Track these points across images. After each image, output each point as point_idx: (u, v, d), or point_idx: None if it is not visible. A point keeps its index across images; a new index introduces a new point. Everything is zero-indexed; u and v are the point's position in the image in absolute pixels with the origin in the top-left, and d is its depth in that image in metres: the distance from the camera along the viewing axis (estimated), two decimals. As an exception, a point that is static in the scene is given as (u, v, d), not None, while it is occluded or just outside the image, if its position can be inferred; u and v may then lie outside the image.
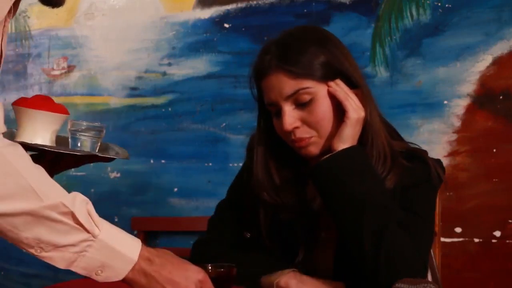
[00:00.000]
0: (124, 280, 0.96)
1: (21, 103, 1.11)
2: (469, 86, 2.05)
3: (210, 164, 2.48)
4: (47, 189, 0.90)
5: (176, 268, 0.98)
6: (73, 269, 0.93)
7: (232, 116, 2.44)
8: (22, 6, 1.14)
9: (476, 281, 2.02)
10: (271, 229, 1.28)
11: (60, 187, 0.93)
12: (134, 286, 0.97)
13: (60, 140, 1.16)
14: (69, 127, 1.15)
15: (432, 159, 1.27)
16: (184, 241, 2.48)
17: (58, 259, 0.92)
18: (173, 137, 2.56)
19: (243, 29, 2.42)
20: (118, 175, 2.67)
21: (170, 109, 2.56)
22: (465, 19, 2.06)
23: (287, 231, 1.26)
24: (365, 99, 1.20)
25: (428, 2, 2.11)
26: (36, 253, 0.92)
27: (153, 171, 2.59)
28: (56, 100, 1.15)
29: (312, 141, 1.19)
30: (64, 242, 0.91)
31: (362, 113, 1.18)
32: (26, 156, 0.93)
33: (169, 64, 2.57)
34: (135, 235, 1.32)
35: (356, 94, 1.19)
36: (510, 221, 1.99)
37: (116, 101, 2.68)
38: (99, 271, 0.94)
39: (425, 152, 1.27)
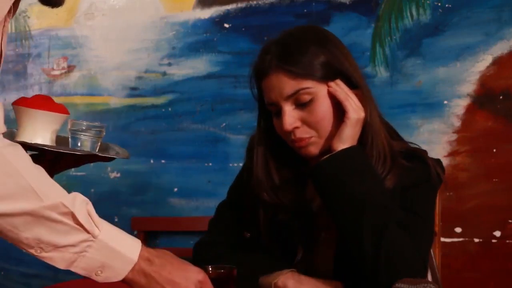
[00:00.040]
0: (124, 281, 0.96)
1: (21, 102, 1.11)
2: (469, 86, 2.05)
3: (210, 164, 2.48)
4: (47, 189, 0.90)
5: (176, 268, 0.98)
6: (73, 269, 0.93)
7: (232, 116, 2.44)
8: (22, 6, 1.14)
9: (476, 281, 2.02)
10: (270, 229, 1.28)
11: (60, 187, 0.93)
12: (134, 287, 0.97)
13: (60, 139, 1.16)
14: (69, 126, 1.15)
15: (432, 159, 1.27)
16: (184, 241, 2.48)
17: (58, 260, 0.92)
18: (173, 137, 2.56)
19: (243, 29, 2.42)
20: (118, 175, 2.67)
21: (170, 109, 2.57)
22: (465, 19, 2.06)
23: (286, 231, 1.26)
24: (365, 99, 1.20)
25: (428, 2, 2.11)
26: (36, 254, 0.92)
27: (153, 171, 2.59)
28: (56, 100, 1.15)
29: (312, 141, 1.19)
30: (64, 243, 0.91)
31: (362, 114, 1.18)
32: (26, 156, 0.93)
33: (169, 64, 2.57)
34: (135, 235, 1.32)
35: (356, 95, 1.19)
36: (510, 221, 1.99)
37: (116, 101, 2.68)
38: (99, 272, 0.94)
39: (424, 152, 1.27)
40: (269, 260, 1.23)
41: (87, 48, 2.75)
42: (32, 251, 0.92)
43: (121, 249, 0.94)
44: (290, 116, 1.17)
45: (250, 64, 1.25)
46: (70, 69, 2.79)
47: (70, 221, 0.91)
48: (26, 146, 1.04)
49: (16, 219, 0.89)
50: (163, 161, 2.58)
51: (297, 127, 1.18)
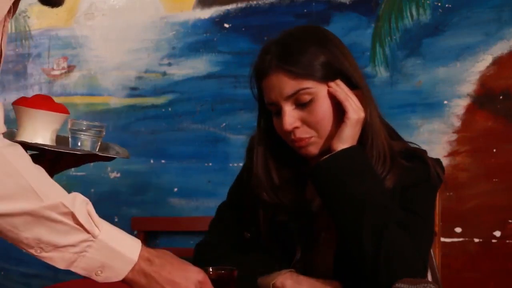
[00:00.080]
0: (124, 281, 0.96)
1: (21, 102, 1.11)
2: (469, 86, 2.05)
3: (210, 164, 2.48)
4: (47, 189, 0.90)
5: (176, 268, 0.98)
6: (73, 269, 0.93)
7: (232, 116, 2.44)
8: (22, 6, 1.14)
9: (476, 281, 2.02)
10: (270, 229, 1.28)
11: (60, 187, 0.93)
12: (134, 287, 0.97)
13: (60, 139, 1.16)
14: (69, 126, 1.15)
15: (432, 158, 1.27)
16: (184, 241, 2.48)
17: (58, 260, 0.92)
18: (173, 137, 2.56)
19: (243, 29, 2.42)
20: (118, 175, 2.67)
21: (170, 109, 2.57)
22: (465, 19, 2.06)
23: (286, 231, 1.26)
24: (365, 99, 1.20)
25: (428, 2, 2.11)
26: (36, 253, 0.92)
27: (153, 171, 2.59)
28: (56, 100, 1.15)
29: (311, 141, 1.19)
30: (64, 243, 0.91)
31: (362, 114, 1.18)
32: (26, 156, 0.93)
33: (169, 64, 2.57)
34: (135, 235, 1.32)
35: (357, 95, 1.19)
36: (510, 221, 1.99)
37: (116, 101, 2.68)
38: (99, 272, 0.94)
39: (424, 151, 1.27)
40: (269, 261, 1.23)
41: (87, 48, 2.75)
42: (32, 251, 0.91)
43: (121, 249, 0.94)
44: (290, 116, 1.17)
45: (250, 64, 1.25)
46: (70, 69, 2.79)
47: (70, 221, 0.91)
48: (26, 146, 1.04)
49: (16, 219, 0.89)
50: (163, 161, 2.58)
51: (297, 127, 1.18)
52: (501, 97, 2.01)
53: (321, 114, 1.18)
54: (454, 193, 2.03)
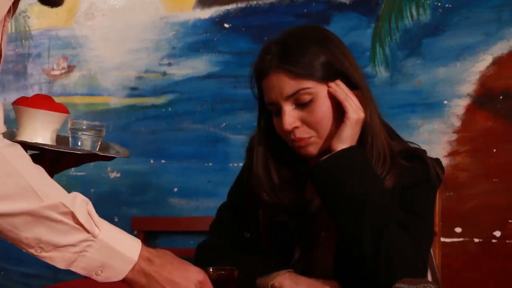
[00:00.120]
0: (124, 280, 0.96)
1: (21, 102, 1.11)
2: (469, 86, 2.05)
3: (210, 164, 2.48)
4: (47, 189, 0.90)
5: (176, 268, 0.98)
6: (73, 269, 0.93)
7: (232, 116, 2.44)
8: (22, 6, 1.14)
9: (476, 281, 2.02)
10: (270, 229, 1.28)
11: (60, 187, 0.93)
12: (134, 286, 0.97)
13: (60, 139, 1.16)
14: (69, 126, 1.15)
15: (431, 158, 1.27)
16: (184, 241, 2.48)
17: (58, 259, 0.92)
18: (173, 137, 2.56)
19: (243, 29, 2.42)
20: (118, 175, 2.67)
21: (170, 109, 2.57)
22: (465, 19, 2.06)
23: (286, 231, 1.26)
24: (365, 100, 1.20)
25: (428, 2, 2.11)
26: (36, 253, 0.92)
27: (153, 171, 2.59)
28: (56, 100, 1.15)
29: (311, 141, 1.19)
30: (64, 242, 0.91)
31: (362, 114, 1.18)
32: (26, 156, 0.93)
33: (169, 64, 2.57)
34: (135, 235, 1.32)
35: (357, 95, 1.19)
36: (510, 221, 1.99)
37: (116, 101, 2.68)
38: (99, 271, 0.94)
39: (424, 151, 1.27)
40: (270, 261, 1.23)
41: (87, 48, 2.75)
42: (32, 251, 0.91)
43: (121, 248, 0.94)
44: (290, 116, 1.17)
45: (250, 64, 1.25)
46: (70, 69, 2.79)
47: (70, 221, 0.91)
48: (26, 146, 1.04)
49: (16, 219, 0.89)
50: (163, 161, 2.58)
51: (297, 127, 1.18)
52: (501, 97, 2.01)
53: (321, 114, 1.18)
54: (454, 193, 2.03)
